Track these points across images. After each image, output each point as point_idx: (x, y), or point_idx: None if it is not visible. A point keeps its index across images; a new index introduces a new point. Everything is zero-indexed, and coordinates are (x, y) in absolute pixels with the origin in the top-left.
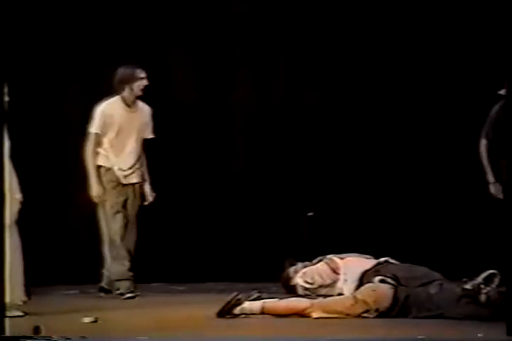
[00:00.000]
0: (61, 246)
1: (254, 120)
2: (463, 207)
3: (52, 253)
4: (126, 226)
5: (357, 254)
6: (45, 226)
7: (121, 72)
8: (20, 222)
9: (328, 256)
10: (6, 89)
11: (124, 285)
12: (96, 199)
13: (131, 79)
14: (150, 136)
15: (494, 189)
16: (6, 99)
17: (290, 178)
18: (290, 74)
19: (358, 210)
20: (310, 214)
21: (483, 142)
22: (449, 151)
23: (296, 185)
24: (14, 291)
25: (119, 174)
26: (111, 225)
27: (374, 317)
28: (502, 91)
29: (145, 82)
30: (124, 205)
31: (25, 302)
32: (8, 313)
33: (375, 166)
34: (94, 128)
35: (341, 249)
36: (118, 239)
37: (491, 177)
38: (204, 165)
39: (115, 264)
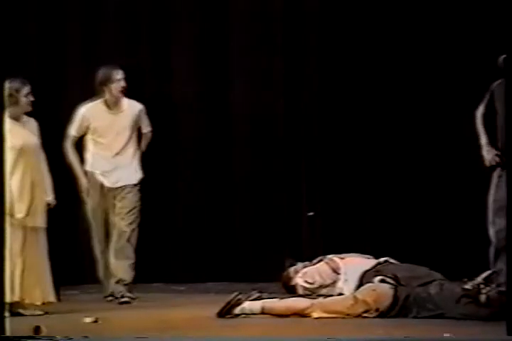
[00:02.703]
0: (61, 247)
1: (254, 118)
2: (463, 207)
3: (52, 253)
4: (113, 231)
5: (357, 254)
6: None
7: (99, 73)
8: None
9: (329, 256)
10: (26, 90)
11: (117, 289)
12: (84, 193)
13: (108, 81)
14: (145, 130)
15: (486, 150)
16: (31, 98)
17: (290, 178)
18: (290, 72)
19: (358, 210)
20: (310, 214)
21: (481, 109)
22: (450, 152)
23: (297, 185)
24: (43, 291)
25: (101, 177)
26: (94, 229)
27: (374, 317)
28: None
29: (122, 84)
30: (112, 212)
31: (50, 303)
32: (28, 312)
33: (376, 166)
34: (71, 129)
35: (341, 249)
36: (102, 243)
37: (483, 139)
38: (204, 165)
39: (100, 267)
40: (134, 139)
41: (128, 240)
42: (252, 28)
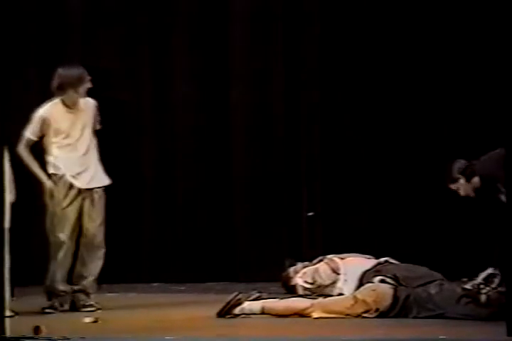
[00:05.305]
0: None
1: (254, 118)
2: (463, 207)
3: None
4: (79, 241)
5: (357, 254)
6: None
7: (66, 74)
8: (21, 221)
9: (329, 256)
10: None
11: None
12: (48, 195)
13: (78, 82)
14: (97, 127)
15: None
16: None
17: (290, 178)
18: (290, 73)
19: (358, 210)
20: (310, 214)
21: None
22: (450, 154)
23: (297, 185)
24: None
25: (73, 179)
26: (55, 236)
27: (374, 317)
28: None
29: (90, 85)
30: (80, 215)
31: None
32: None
33: (376, 166)
34: (28, 132)
35: (341, 249)
36: (61, 254)
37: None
38: (203, 165)
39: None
40: (94, 138)
41: (98, 243)
42: (252, 28)
